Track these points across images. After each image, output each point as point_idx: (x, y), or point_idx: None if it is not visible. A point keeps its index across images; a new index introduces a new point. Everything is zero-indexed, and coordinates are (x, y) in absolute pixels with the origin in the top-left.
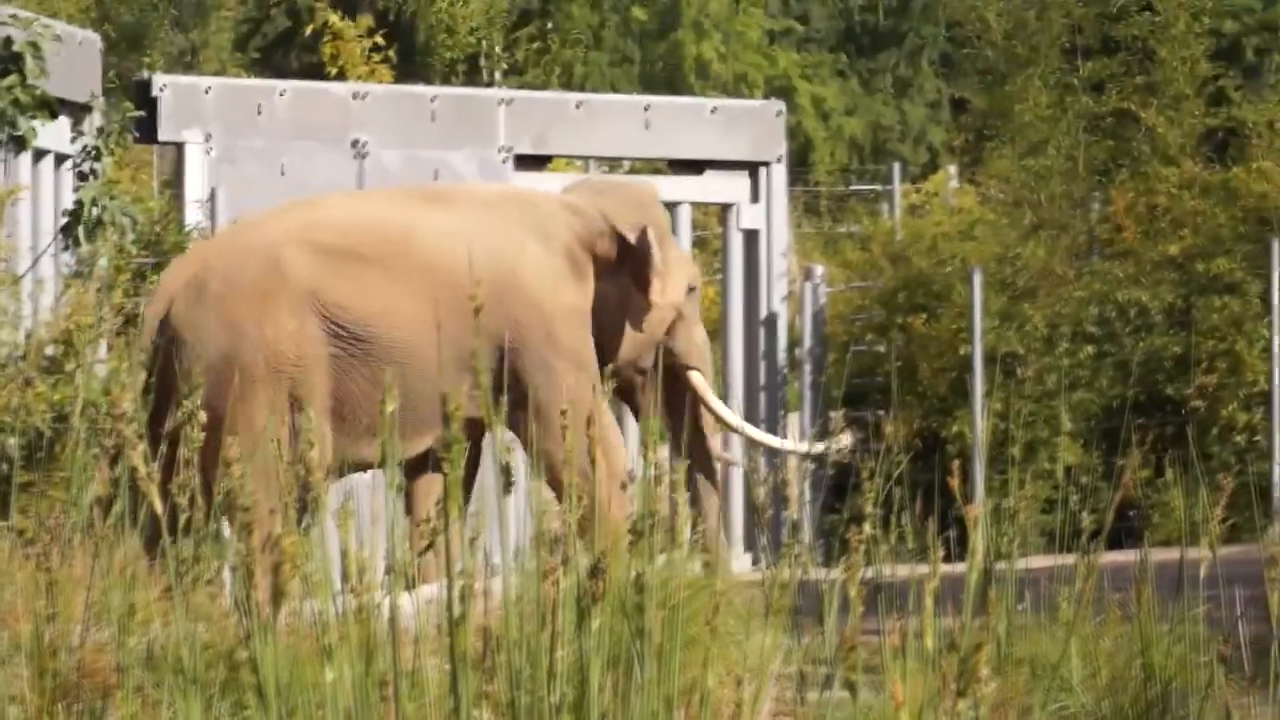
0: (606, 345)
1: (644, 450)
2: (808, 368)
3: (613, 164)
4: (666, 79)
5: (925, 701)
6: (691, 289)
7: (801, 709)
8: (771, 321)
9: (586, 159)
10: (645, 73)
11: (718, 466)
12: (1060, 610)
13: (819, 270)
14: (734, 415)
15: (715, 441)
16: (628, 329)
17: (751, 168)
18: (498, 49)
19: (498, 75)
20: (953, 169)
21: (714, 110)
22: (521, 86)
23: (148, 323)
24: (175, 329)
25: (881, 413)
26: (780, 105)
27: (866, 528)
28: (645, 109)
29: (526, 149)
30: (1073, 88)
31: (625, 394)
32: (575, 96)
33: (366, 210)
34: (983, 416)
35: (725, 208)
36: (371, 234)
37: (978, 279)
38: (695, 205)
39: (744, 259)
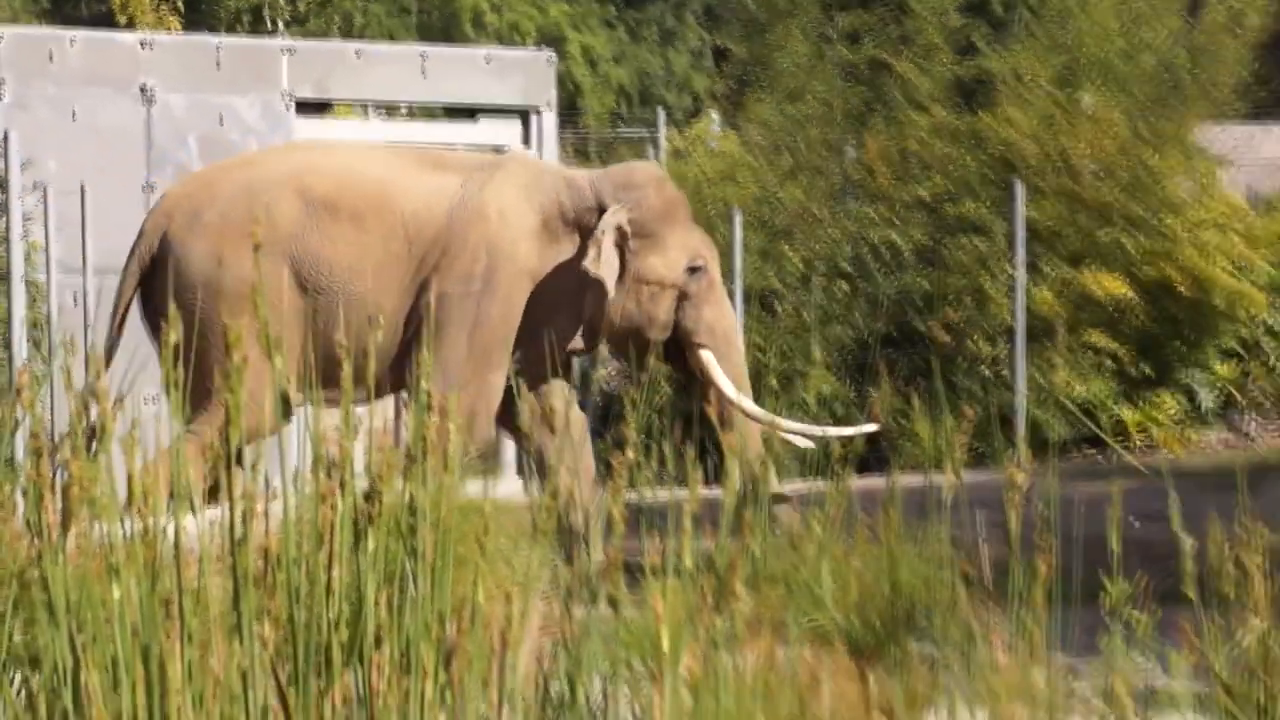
0: (595, 315)
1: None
2: None
3: (390, 108)
4: (443, 28)
5: (684, 617)
6: (695, 269)
7: (568, 624)
8: None
9: (365, 104)
10: (422, 23)
11: (751, 426)
12: (813, 531)
13: None
14: (736, 392)
15: (745, 403)
16: (622, 302)
17: (523, 113)
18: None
19: (281, 25)
20: (715, 115)
21: (487, 58)
22: (304, 36)
23: (147, 234)
24: (167, 244)
25: None
26: (550, 54)
27: (629, 453)
28: (422, 57)
29: (308, 94)
30: (829, 38)
31: (635, 362)
32: (354, 45)
33: (359, 165)
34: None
35: (498, 151)
36: (354, 188)
37: (738, 219)
38: (469, 148)
39: None
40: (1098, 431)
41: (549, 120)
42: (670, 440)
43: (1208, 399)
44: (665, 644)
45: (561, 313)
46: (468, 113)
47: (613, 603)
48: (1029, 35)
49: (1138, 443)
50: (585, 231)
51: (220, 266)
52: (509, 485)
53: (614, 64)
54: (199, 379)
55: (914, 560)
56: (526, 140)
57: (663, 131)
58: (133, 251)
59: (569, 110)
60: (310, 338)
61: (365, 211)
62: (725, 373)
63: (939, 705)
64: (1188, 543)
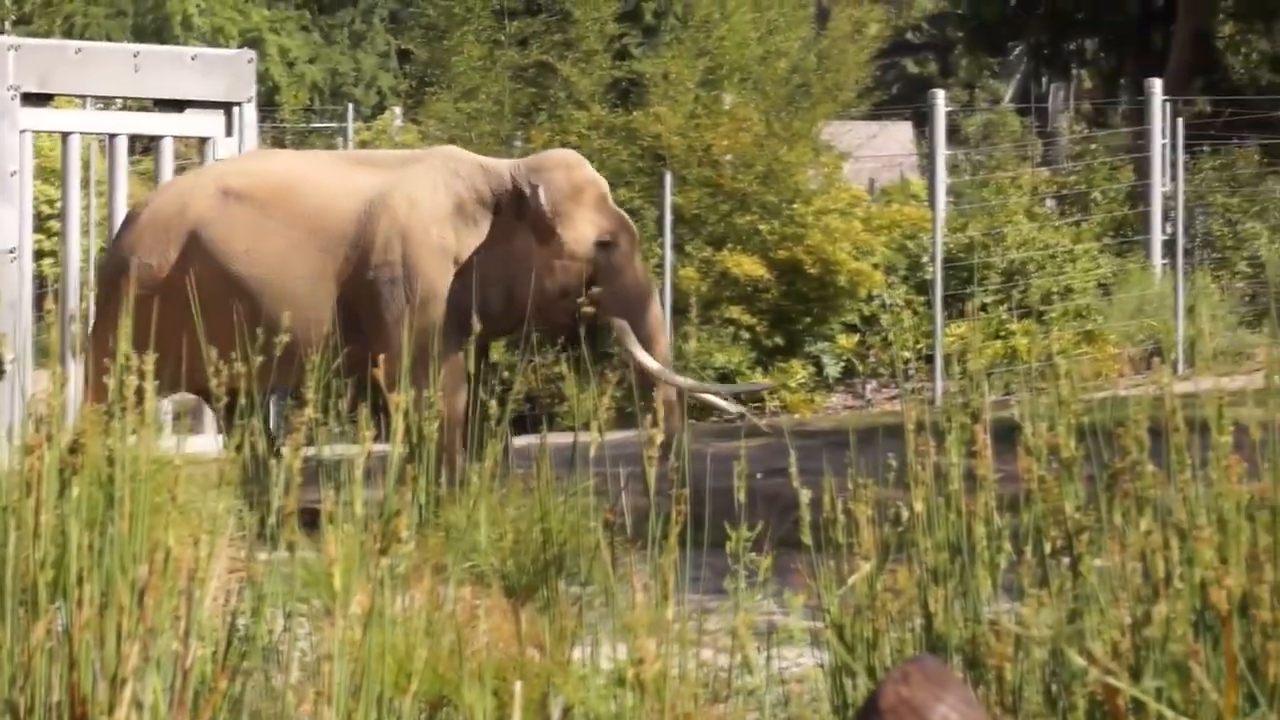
0: (517, 292)
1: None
2: None
3: (106, 101)
4: (155, 30)
5: (355, 560)
6: (605, 243)
7: (252, 565)
8: None
9: (84, 97)
10: (137, 25)
11: (667, 390)
12: (472, 483)
13: None
14: (652, 361)
15: (663, 371)
16: (536, 278)
17: (226, 107)
18: (8, 2)
19: (7, 24)
20: (398, 110)
21: (194, 58)
22: (29, 35)
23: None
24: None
25: None
26: (251, 54)
27: (308, 411)
28: (135, 55)
29: (32, 88)
30: (501, 43)
31: (557, 335)
32: (75, 44)
33: (285, 164)
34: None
35: (203, 141)
36: (267, 182)
37: None
38: (177, 139)
39: None
40: (718, 401)
41: (250, 113)
42: (347, 400)
43: (832, 367)
44: (337, 583)
45: (486, 291)
46: (177, 105)
47: (289, 546)
48: (677, 41)
49: (770, 406)
50: (502, 211)
51: (136, 257)
52: (205, 441)
53: (309, 64)
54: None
55: (563, 509)
56: (230, 131)
57: (351, 125)
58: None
59: (268, 105)
60: (218, 322)
61: (269, 200)
62: (639, 338)
63: (584, 640)
64: (805, 494)
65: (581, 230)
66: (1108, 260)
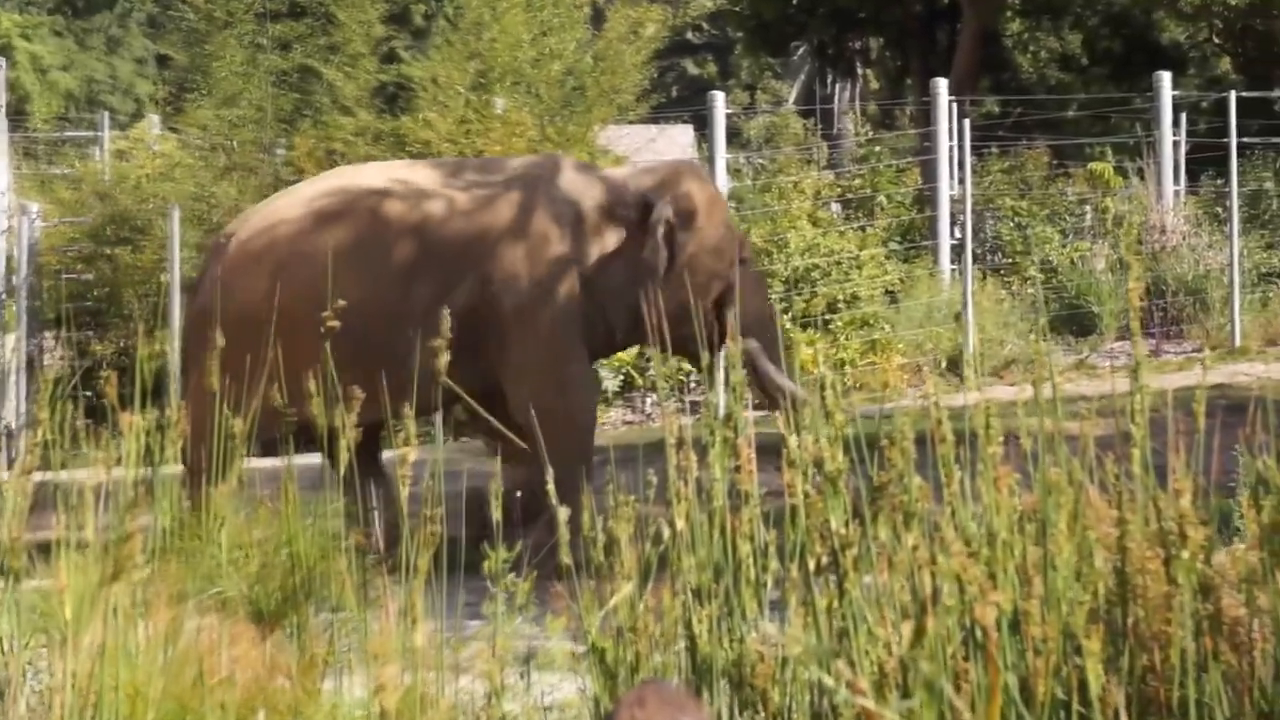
0: (642, 311)
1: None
2: (24, 294)
3: None
4: None
5: (88, 587)
6: (742, 261)
7: None
8: None
9: None
10: None
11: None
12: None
13: (34, 207)
14: (794, 384)
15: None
16: (664, 297)
17: None
18: None
19: None
20: (156, 118)
21: None
22: None
23: None
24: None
25: (90, 333)
26: (1, 61)
27: (40, 433)
28: None
29: None
30: (263, 47)
31: (684, 354)
32: None
33: (379, 179)
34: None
35: None
36: (364, 202)
37: (176, 215)
38: None
39: None
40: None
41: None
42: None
43: (610, 381)
44: (68, 613)
45: (610, 309)
46: None
47: (14, 575)
48: (446, 44)
49: None
50: (627, 226)
51: (225, 289)
52: None
53: (62, 71)
54: None
55: (311, 532)
56: None
57: (107, 133)
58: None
59: (18, 114)
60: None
61: (368, 221)
62: (771, 359)
63: (335, 668)
64: (563, 513)
65: (714, 248)
66: (895, 266)
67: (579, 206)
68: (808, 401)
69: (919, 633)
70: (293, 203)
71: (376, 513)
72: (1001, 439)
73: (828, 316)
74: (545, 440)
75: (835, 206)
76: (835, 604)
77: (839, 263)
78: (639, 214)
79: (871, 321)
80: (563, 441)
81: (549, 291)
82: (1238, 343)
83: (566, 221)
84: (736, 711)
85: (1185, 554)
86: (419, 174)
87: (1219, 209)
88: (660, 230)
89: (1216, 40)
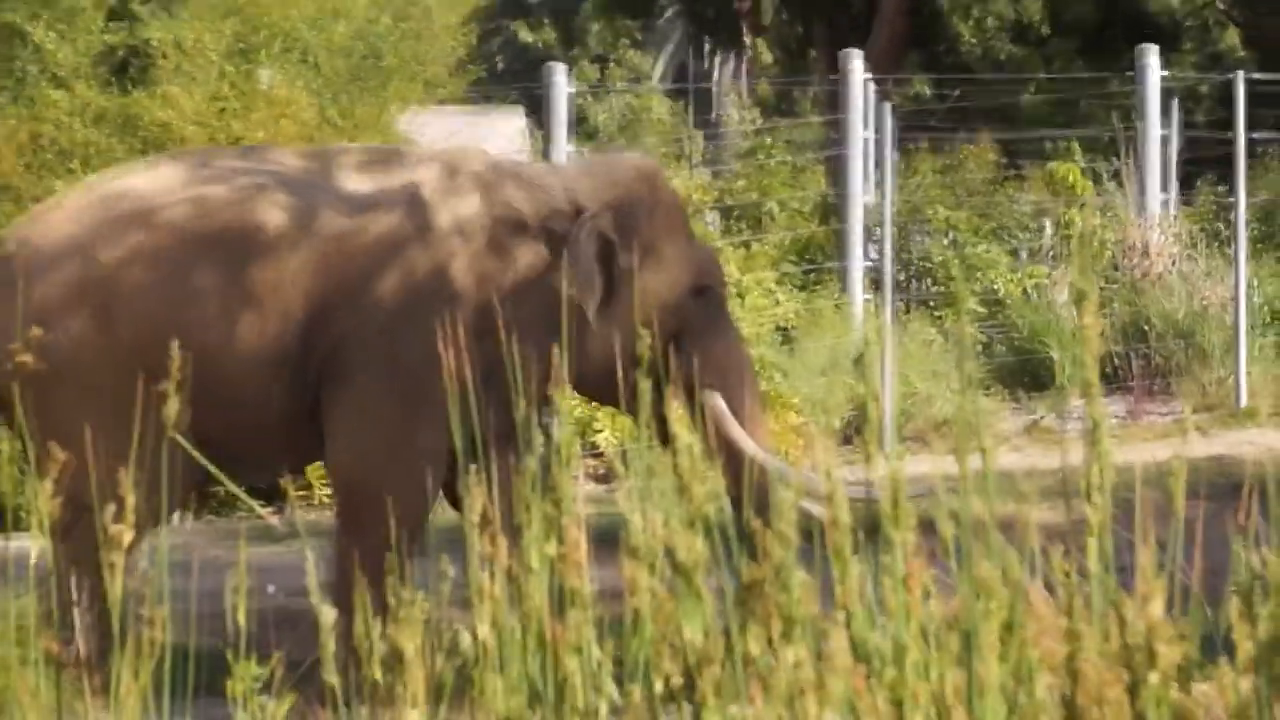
0: (574, 354)
1: None
2: None
3: None
4: None
5: None
6: (702, 289)
7: None
8: None
9: None
10: None
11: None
12: None
13: None
14: (759, 449)
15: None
16: (601, 338)
17: None
18: None
19: None
20: None
21: None
22: None
23: None
24: None
25: None
26: None
27: None
28: None
29: None
30: None
31: (610, 400)
32: None
33: (190, 175)
34: None
35: None
36: (180, 205)
37: None
38: None
39: None
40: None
41: None
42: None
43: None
44: None
45: (525, 354)
46: None
47: None
48: None
49: (324, 497)
50: (553, 243)
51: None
52: None
53: None
54: None
55: None
56: None
57: None
58: None
59: None
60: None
61: (194, 229)
62: (736, 416)
63: None
64: (327, 615)
65: (672, 272)
66: (789, 296)
67: (489, 213)
68: (789, 482)
69: None
70: (111, 207)
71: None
72: (914, 524)
73: None
74: (358, 516)
75: (711, 217)
76: None
77: None
78: (571, 226)
79: (758, 369)
80: (383, 520)
81: (421, 331)
82: (1243, 402)
83: (470, 234)
84: None
85: (1155, 678)
86: (270, 165)
87: (1220, 225)
88: (592, 247)
89: (1220, 6)
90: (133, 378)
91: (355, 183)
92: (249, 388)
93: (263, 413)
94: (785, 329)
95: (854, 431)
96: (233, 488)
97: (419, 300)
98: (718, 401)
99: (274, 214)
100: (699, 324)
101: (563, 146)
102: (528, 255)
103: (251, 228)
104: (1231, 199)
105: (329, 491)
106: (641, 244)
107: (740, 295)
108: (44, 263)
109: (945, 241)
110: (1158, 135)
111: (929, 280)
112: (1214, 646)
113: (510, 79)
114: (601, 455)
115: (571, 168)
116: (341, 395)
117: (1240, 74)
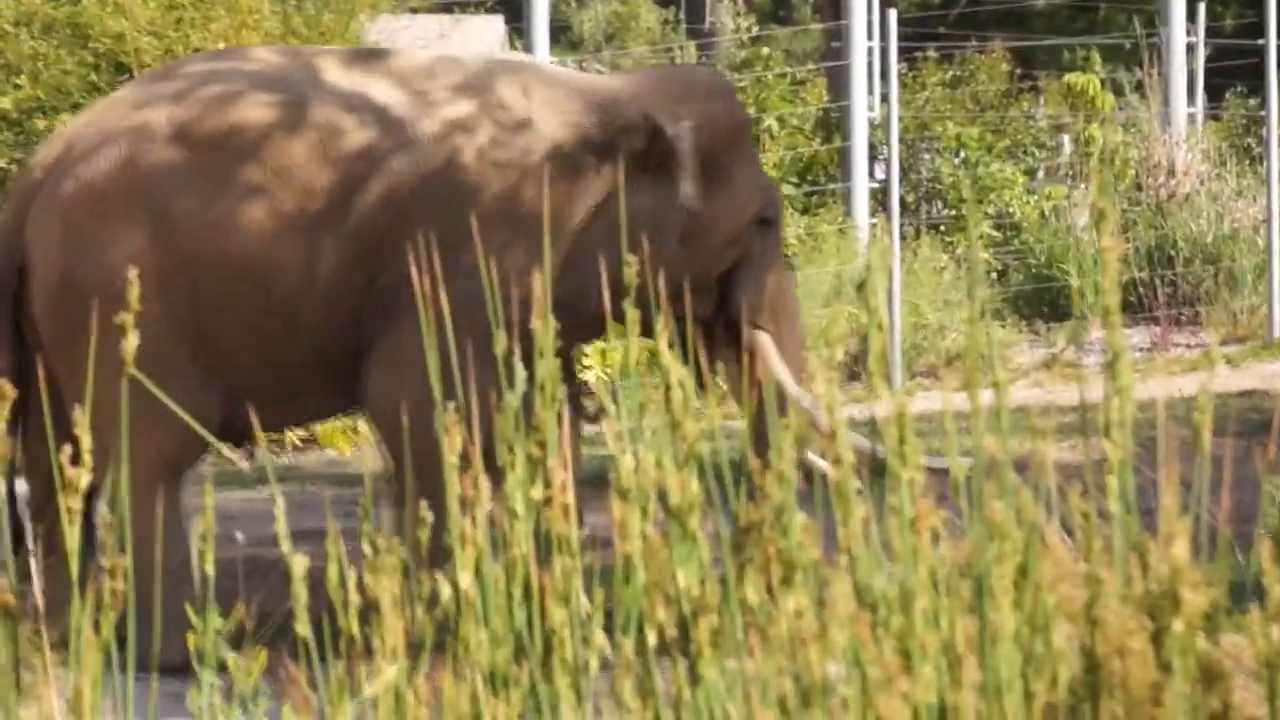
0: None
1: None
2: None
3: None
4: None
5: None
6: (766, 220)
7: None
8: None
9: None
10: None
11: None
12: None
13: None
14: (801, 391)
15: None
16: (665, 262)
17: None
18: None
19: None
20: None
21: None
22: None
23: None
24: None
25: None
26: None
27: None
28: None
29: None
30: None
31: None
32: None
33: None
34: None
35: None
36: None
37: None
38: None
39: None
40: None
41: None
42: None
43: None
44: None
45: (585, 278)
46: None
47: None
48: None
49: (294, 440)
50: (628, 160)
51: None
52: None
53: None
54: None
55: None
56: None
57: None
58: None
59: None
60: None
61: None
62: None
63: None
64: (299, 563)
65: (741, 198)
66: (789, 219)
67: (550, 130)
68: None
69: None
70: (152, 117)
71: (33, 561)
72: (924, 464)
73: None
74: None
75: None
76: (685, 695)
77: None
78: (643, 143)
79: None
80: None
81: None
82: (1276, 333)
83: (531, 152)
84: None
85: (1180, 627)
86: (330, 72)
87: (1251, 141)
88: (688, 164)
89: None
90: (176, 303)
91: (426, 101)
92: (303, 316)
93: (316, 342)
94: (785, 254)
95: (860, 367)
96: (209, 437)
97: (488, 233)
98: (765, 340)
99: (342, 142)
100: (757, 256)
101: (544, 58)
102: (600, 177)
103: (318, 157)
104: (1263, 112)
105: (300, 436)
106: (717, 166)
107: None
108: (86, 187)
109: (956, 160)
110: (1183, 42)
111: (939, 202)
112: (1243, 592)
113: None
114: (591, 393)
115: (640, 78)
116: (390, 334)
117: None
